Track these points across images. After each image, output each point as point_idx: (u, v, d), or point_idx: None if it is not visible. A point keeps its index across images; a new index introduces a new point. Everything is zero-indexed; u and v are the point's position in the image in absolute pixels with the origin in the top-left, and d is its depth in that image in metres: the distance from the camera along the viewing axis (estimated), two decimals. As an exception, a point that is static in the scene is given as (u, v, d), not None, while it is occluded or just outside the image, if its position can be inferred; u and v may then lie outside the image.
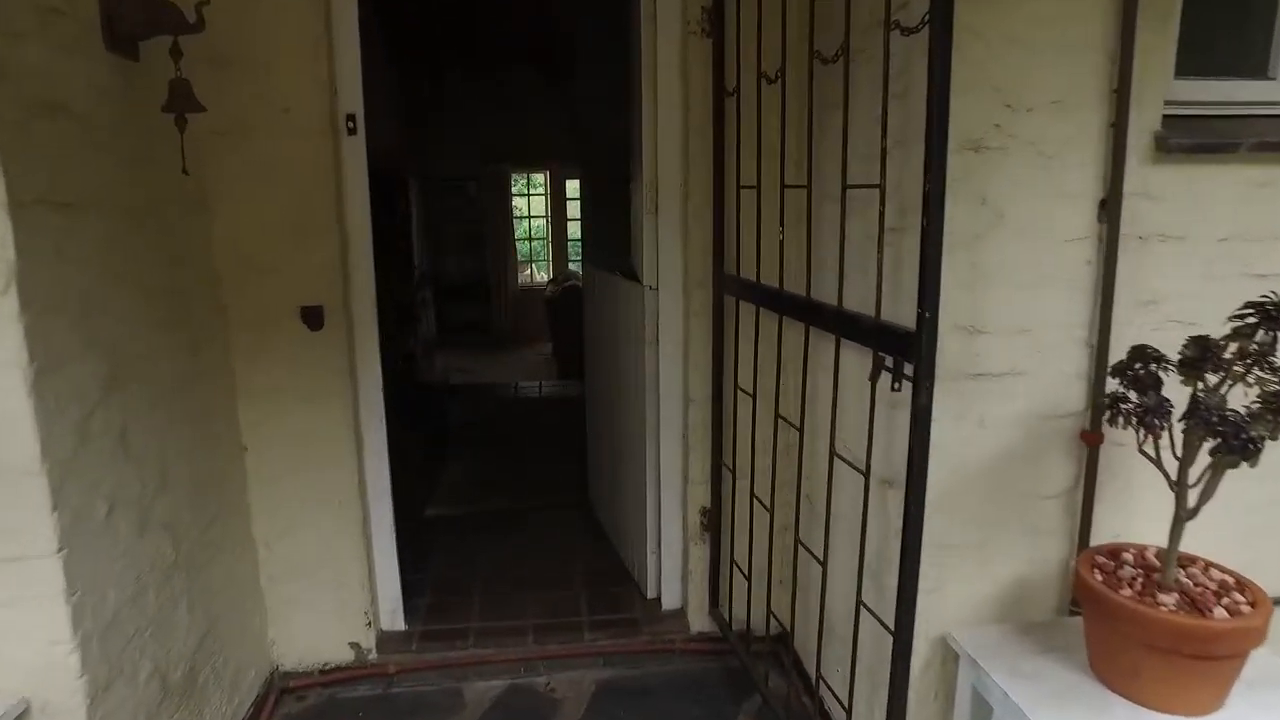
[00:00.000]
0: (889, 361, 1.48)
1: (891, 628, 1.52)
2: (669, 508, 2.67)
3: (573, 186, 9.38)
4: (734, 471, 2.38)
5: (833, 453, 1.76)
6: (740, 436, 2.33)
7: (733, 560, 2.45)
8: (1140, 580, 1.42)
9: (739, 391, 2.32)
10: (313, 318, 2.29)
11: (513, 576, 3.09)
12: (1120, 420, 1.34)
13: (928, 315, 1.33)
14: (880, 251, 1.52)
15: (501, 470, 4.46)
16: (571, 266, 9.72)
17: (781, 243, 1.95)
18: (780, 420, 2.08)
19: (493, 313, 9.60)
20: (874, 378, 1.54)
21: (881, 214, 1.52)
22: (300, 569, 2.45)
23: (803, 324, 1.87)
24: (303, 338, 2.30)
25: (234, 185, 2.18)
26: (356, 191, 2.33)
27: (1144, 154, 1.58)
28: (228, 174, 2.16)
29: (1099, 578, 1.44)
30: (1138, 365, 1.36)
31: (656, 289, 2.53)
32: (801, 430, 1.93)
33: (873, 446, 1.62)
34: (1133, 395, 1.34)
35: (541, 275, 10.30)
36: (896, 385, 1.45)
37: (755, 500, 2.29)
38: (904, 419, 1.63)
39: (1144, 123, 1.56)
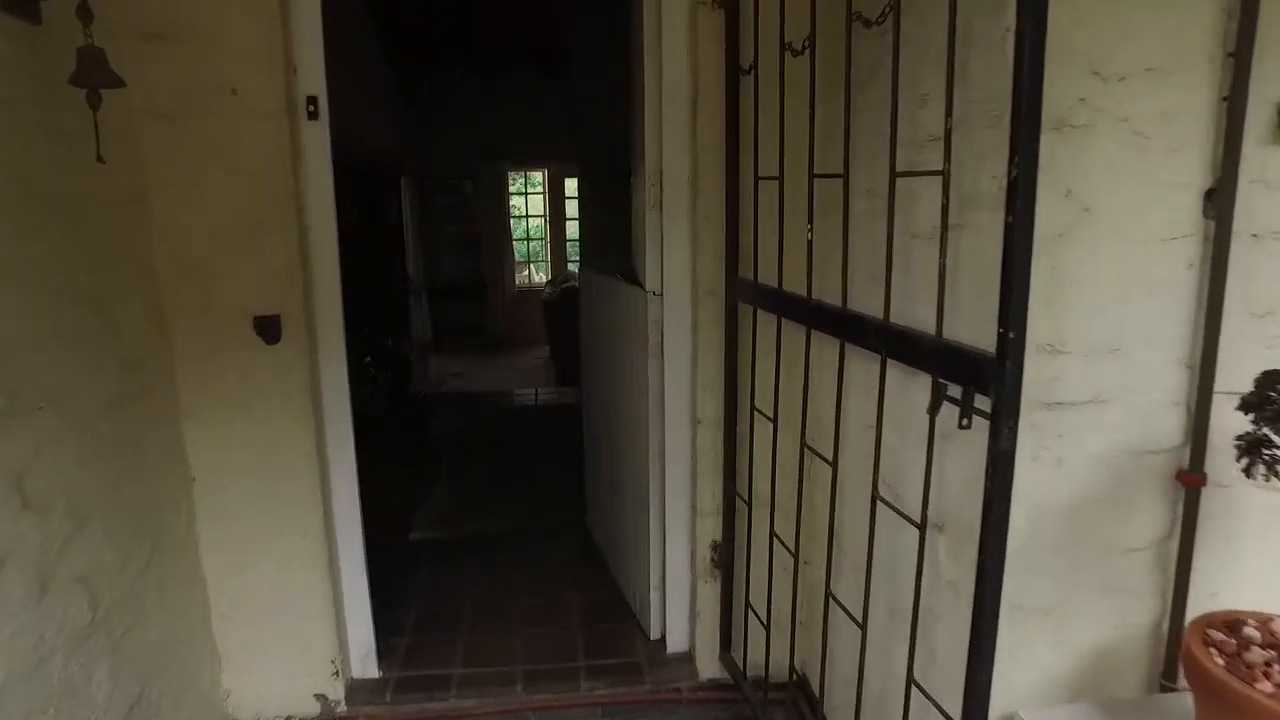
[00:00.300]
0: (954, 390, 1.19)
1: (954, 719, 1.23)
2: (675, 540, 2.38)
3: (572, 185, 9.11)
4: (750, 504, 2.09)
5: (876, 497, 1.47)
6: (759, 466, 2.04)
7: (747, 602, 2.16)
8: (1277, 667, 1.13)
9: (756, 414, 2.03)
10: (269, 328, 2.00)
11: (502, 611, 2.80)
12: (1263, 470, 1.05)
13: (1012, 336, 1.04)
14: (943, 255, 1.23)
15: (494, 487, 4.17)
16: (570, 267, 9.45)
17: (810, 243, 1.66)
18: (806, 449, 1.79)
19: (489, 314, 9.33)
20: (933, 410, 1.24)
21: (945, 207, 1.23)
22: (258, 611, 2.16)
23: (837, 340, 1.57)
24: (258, 351, 2.01)
25: (174, 176, 1.89)
26: (319, 184, 2.04)
27: (1264, 132, 1.28)
28: (166, 163, 1.88)
29: (1220, 661, 1.15)
30: (1275, 397, 1.07)
31: (661, 295, 2.24)
32: (836, 466, 1.64)
33: (929, 493, 1.33)
34: (1275, 437, 1.05)
35: (540, 276, 10.02)
36: (965, 422, 1.16)
37: (776, 539, 2.00)
38: (959, 451, 1.34)
39: (1265, 93, 1.27)
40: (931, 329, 1.28)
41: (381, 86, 7.71)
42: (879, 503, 1.47)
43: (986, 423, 1.10)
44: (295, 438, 2.07)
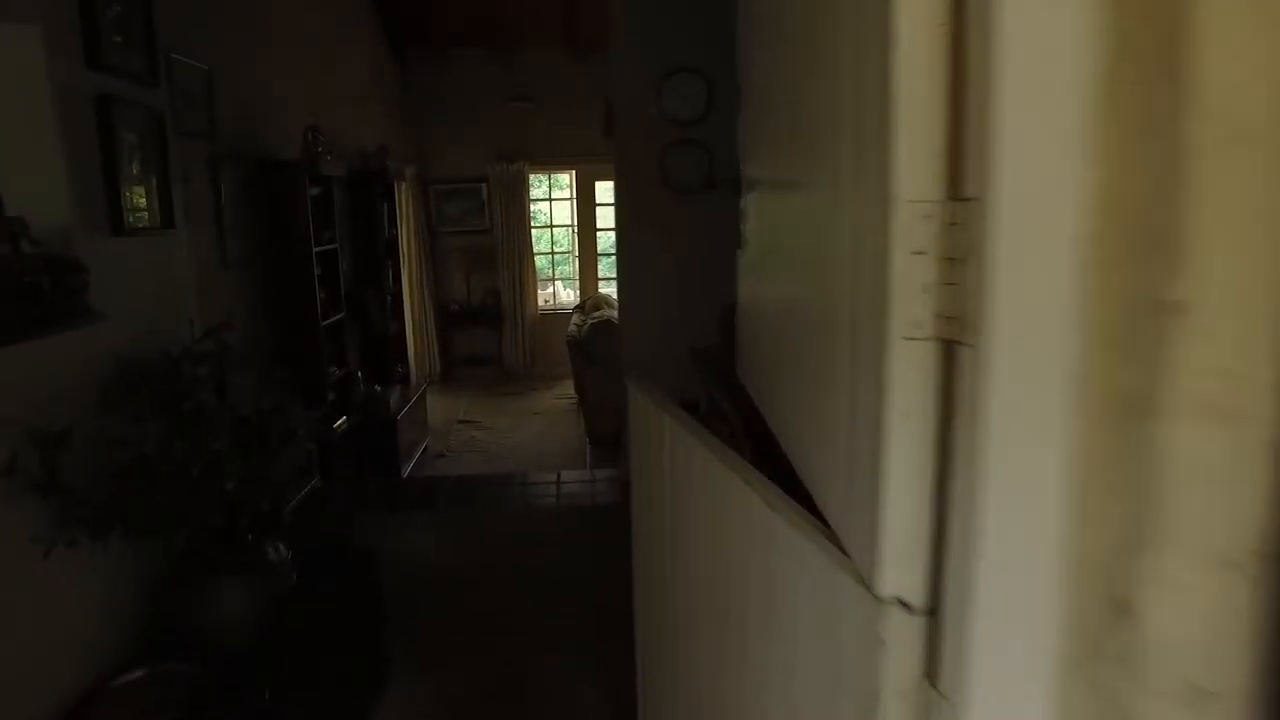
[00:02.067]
0: None
1: None
2: None
3: (605, 190, 7.60)
4: None
5: None
6: None
7: None
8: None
9: None
10: None
11: None
12: None
13: None
14: None
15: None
16: (603, 288, 7.93)
17: None
18: None
19: (506, 342, 7.84)
20: None
21: None
22: None
23: None
24: None
25: None
26: None
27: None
28: None
29: None
30: None
31: (938, 615, 0.66)
32: None
33: None
34: None
35: (567, 293, 8.49)
36: None
37: None
38: None
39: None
40: None
41: (375, 71, 6.27)
42: None
43: None
44: None
